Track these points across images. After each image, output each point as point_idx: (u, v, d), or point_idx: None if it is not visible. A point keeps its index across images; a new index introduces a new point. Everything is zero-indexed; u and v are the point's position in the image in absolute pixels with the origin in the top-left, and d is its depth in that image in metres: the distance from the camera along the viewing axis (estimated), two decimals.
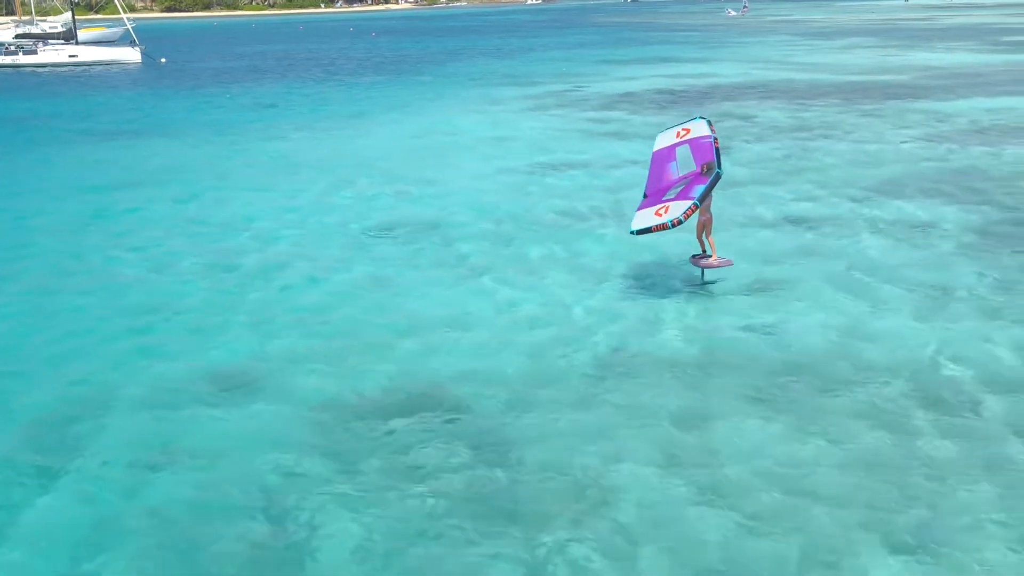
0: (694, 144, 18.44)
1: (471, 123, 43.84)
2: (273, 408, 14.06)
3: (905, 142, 35.28)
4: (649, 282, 19.46)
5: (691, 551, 10.25)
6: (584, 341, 16.24)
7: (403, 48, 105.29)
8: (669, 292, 18.78)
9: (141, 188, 30.97)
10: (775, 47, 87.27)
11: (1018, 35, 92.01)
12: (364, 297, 19.26)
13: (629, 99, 51.09)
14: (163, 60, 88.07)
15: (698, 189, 17.33)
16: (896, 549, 10.14)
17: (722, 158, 17.75)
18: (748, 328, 16.63)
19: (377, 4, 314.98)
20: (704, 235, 18.48)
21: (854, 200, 26.19)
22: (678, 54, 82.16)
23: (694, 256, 18.99)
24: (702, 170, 17.82)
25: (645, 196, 18.75)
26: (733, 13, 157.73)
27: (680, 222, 16.73)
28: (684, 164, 18.53)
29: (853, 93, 50.36)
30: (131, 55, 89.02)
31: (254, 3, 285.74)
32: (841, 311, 17.45)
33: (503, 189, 29.37)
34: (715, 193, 18.20)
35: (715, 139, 18.04)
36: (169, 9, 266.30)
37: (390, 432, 13.11)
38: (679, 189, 17.86)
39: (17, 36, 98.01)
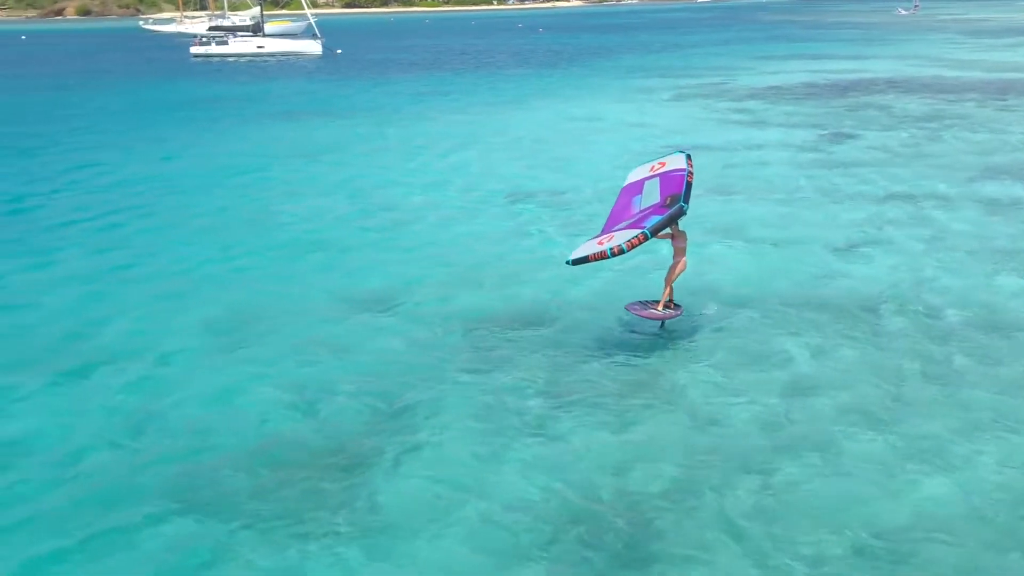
0: (665, 178, 16.61)
1: (615, 111, 46.91)
2: (420, 321, 17.82)
3: None
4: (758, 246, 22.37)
5: None
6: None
7: (564, 43, 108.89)
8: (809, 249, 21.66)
9: (312, 156, 35.86)
10: (935, 45, 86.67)
11: None
12: (497, 241, 22.92)
13: (772, 91, 53.10)
14: (339, 52, 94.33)
15: (653, 220, 15.35)
16: None
17: (691, 193, 15.72)
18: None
19: (547, 1, 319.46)
20: (667, 279, 16.37)
21: (963, 182, 28.18)
22: (833, 50, 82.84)
23: (637, 303, 16.91)
24: (665, 202, 15.81)
25: (601, 232, 16.71)
26: (904, 12, 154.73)
27: (622, 251, 14.79)
28: (649, 199, 16.44)
29: (999, 90, 50.92)
30: (312, 47, 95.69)
31: (429, 0, 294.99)
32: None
33: (634, 166, 32.41)
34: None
35: (690, 172, 16.11)
36: (349, 5, 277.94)
37: (514, 340, 16.65)
38: (632, 220, 15.98)
39: (210, 29, 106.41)
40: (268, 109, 51.69)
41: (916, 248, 21.46)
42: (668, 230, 15.70)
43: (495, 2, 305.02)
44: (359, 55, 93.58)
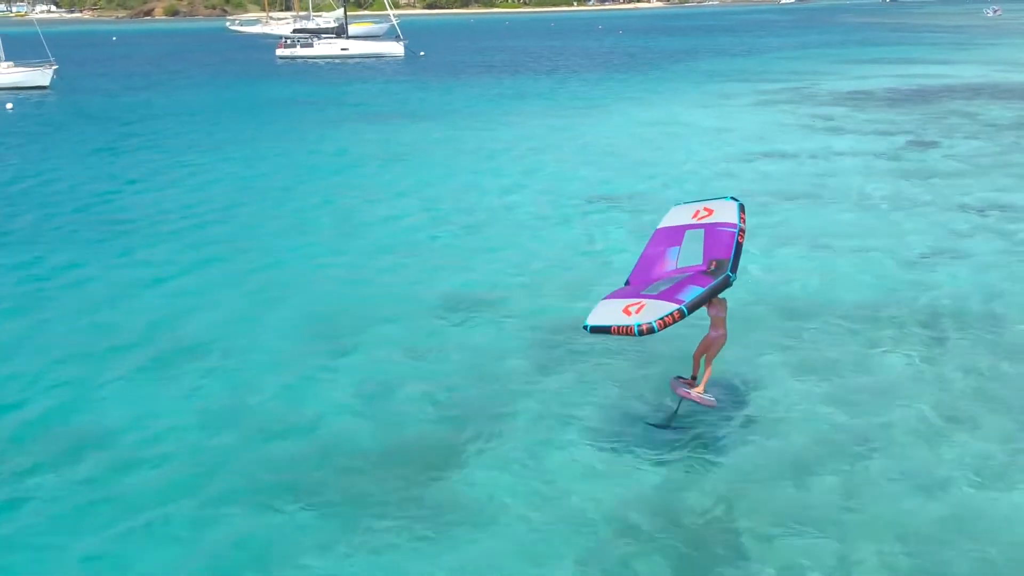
0: (710, 231, 13.96)
1: (691, 116, 46.91)
2: (497, 321, 18.30)
3: None
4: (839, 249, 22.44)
5: None
6: (758, 290, 19.53)
7: (643, 45, 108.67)
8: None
9: (391, 159, 36.72)
10: (1021, 49, 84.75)
11: None
12: (571, 246, 23.33)
13: (855, 97, 52.56)
14: (422, 54, 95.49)
15: (692, 291, 12.86)
16: None
17: (741, 255, 13.26)
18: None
19: (628, 3, 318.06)
20: (704, 356, 13.74)
21: None
22: (918, 55, 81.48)
23: (678, 378, 14.20)
24: (709, 267, 13.37)
25: (627, 284, 14.19)
26: (990, 14, 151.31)
27: (652, 330, 12.27)
28: (688, 255, 13.88)
29: None
30: (395, 49, 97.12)
31: (509, 1, 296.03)
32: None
33: (711, 172, 32.57)
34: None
35: (741, 231, 13.57)
36: (430, 6, 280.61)
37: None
38: (668, 285, 13.31)
39: (295, 31, 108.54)
40: (351, 111, 52.73)
41: (988, 260, 21.34)
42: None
43: (575, 3, 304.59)
44: (439, 57, 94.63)
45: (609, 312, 13.08)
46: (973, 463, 12.55)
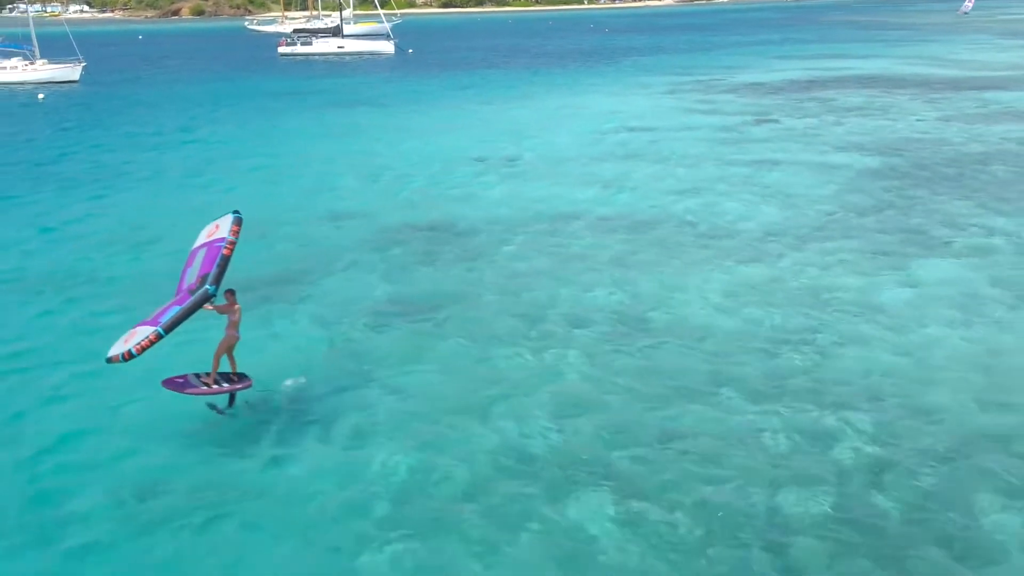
0: (209, 248, 15.08)
1: (599, 101, 57.21)
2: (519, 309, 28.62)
3: (922, 120, 45.69)
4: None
5: None
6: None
7: (613, 43, 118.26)
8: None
9: (334, 134, 47.20)
10: (953, 45, 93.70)
11: None
12: (437, 188, 33.67)
13: (749, 87, 62.30)
14: (410, 51, 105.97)
15: (171, 312, 14.14)
16: None
17: (226, 272, 14.55)
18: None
19: (637, 0, 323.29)
20: (225, 353, 15.22)
21: (817, 152, 37.77)
22: (847, 51, 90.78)
23: (196, 376, 15.48)
24: (198, 283, 14.44)
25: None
26: (961, 11, 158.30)
27: (132, 356, 13.59)
28: (193, 273, 15.09)
29: (953, 86, 59.35)
30: (386, 47, 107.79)
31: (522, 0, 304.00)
32: None
33: (579, 141, 42.57)
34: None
35: (229, 243, 14.56)
36: (446, 5, 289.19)
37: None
38: (159, 308, 14.74)
39: (295, 31, 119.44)
40: (323, 99, 63.45)
41: (721, 191, 31.44)
42: (224, 302, 14.77)
43: (585, 1, 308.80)
44: (429, 55, 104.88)
45: (121, 342, 14.23)
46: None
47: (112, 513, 13.24)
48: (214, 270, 14.27)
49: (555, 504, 13.01)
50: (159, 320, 13.94)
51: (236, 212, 15.24)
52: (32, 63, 79.29)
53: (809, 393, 16.00)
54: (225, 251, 14.38)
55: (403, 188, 33.73)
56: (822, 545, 12.00)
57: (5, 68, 78.89)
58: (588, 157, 38.41)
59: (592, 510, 12.86)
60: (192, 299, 14.06)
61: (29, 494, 13.79)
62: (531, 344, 18.54)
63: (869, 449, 14.14)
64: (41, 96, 68.23)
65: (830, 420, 15.01)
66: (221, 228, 15.10)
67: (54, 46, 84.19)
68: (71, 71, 78.92)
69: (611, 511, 12.82)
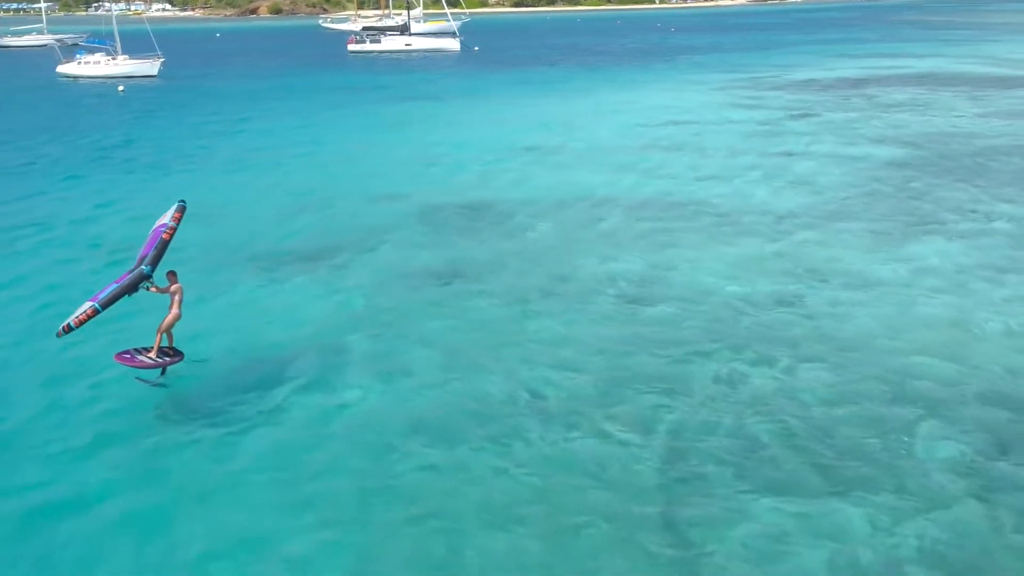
0: (155, 231, 16.42)
1: (650, 97, 59.29)
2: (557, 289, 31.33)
3: (960, 116, 47.07)
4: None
5: None
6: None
7: (676, 42, 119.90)
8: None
9: (429, 126, 49.94)
10: (1015, 45, 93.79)
11: None
12: (490, 173, 36.26)
13: (799, 84, 63.85)
14: (476, 49, 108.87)
15: (109, 289, 15.49)
16: None
17: (164, 254, 15.79)
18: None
19: (709, 0, 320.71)
20: (162, 327, 16.32)
21: (839, 144, 39.59)
22: (907, 50, 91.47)
23: (137, 351, 16.48)
24: (136, 264, 15.82)
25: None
26: None
27: (70, 328, 14.94)
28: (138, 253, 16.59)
29: (990, 82, 60.28)
30: (452, 44, 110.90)
31: None
32: None
33: (621, 133, 44.83)
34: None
35: (169, 228, 15.83)
36: (518, 4, 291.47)
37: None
38: (104, 286, 16.10)
39: (364, 28, 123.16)
40: (389, 93, 66.48)
41: (751, 179, 33.52)
42: (167, 284, 15.89)
43: (657, 1, 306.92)
44: (494, 52, 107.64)
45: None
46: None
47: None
48: (152, 252, 15.53)
49: (562, 434, 15.02)
50: (98, 297, 15.38)
51: (182, 201, 16.59)
52: (114, 58, 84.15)
53: (791, 346, 18.13)
54: (165, 235, 15.66)
55: (452, 174, 36.28)
56: (797, 465, 14.05)
57: (89, 63, 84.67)
58: (631, 148, 40.62)
59: (596, 440, 14.86)
60: (128, 278, 15.43)
61: None
62: (555, 305, 20.89)
63: (825, 393, 16.32)
64: (121, 89, 72.57)
65: (804, 370, 17.15)
66: (168, 214, 16.38)
67: (136, 43, 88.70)
68: (150, 66, 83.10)
69: (614, 441, 14.81)
